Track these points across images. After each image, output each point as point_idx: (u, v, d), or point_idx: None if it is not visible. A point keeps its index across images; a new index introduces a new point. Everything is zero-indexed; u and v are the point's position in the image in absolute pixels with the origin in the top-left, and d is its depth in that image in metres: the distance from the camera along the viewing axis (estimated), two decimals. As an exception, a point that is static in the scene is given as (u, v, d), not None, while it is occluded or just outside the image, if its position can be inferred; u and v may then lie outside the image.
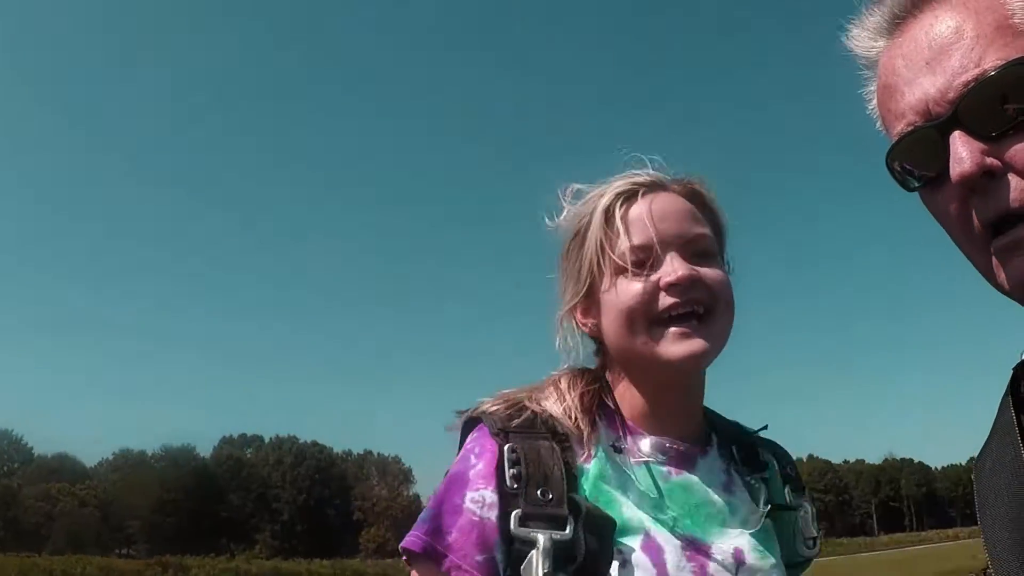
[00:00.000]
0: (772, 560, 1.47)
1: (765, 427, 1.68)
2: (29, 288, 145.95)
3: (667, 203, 1.51)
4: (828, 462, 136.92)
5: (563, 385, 1.54)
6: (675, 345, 1.44)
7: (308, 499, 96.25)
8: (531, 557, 1.31)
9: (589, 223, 1.52)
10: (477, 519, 1.38)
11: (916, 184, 1.07)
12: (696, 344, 1.44)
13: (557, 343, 1.59)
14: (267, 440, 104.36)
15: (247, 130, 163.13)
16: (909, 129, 1.04)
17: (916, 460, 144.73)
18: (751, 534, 1.47)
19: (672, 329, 1.44)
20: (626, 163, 1.58)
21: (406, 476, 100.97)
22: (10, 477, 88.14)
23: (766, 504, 1.52)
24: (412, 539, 1.41)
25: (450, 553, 1.38)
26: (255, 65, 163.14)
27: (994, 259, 1.00)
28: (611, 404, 1.54)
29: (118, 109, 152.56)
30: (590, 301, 1.53)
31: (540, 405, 1.50)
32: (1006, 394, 1.05)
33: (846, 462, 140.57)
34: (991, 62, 0.96)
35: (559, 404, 1.50)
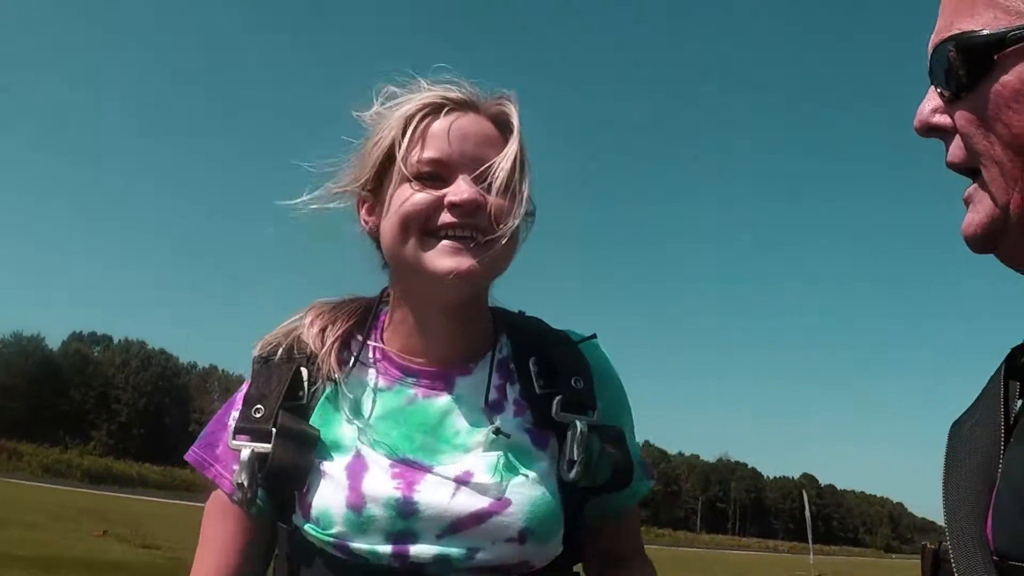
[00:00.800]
0: (513, 480, 1.44)
1: (592, 336, 1.64)
2: None
3: (471, 124, 1.50)
4: (664, 451, 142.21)
5: (308, 318, 1.60)
6: (442, 258, 1.43)
7: (148, 404, 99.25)
8: (239, 467, 1.44)
9: (387, 125, 1.51)
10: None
11: None
12: (463, 262, 1.42)
13: (301, 202, 1.58)
14: (116, 341, 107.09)
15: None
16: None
17: (750, 465, 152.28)
18: (500, 454, 1.45)
19: (444, 242, 1.44)
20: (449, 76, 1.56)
21: None
22: None
23: (538, 423, 1.51)
24: (190, 453, 1.58)
25: (215, 463, 1.53)
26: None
27: None
28: (371, 328, 1.60)
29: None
30: (376, 201, 1.54)
31: (299, 335, 1.57)
32: (1000, 367, 1.05)
33: (681, 454, 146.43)
34: (955, 29, 0.99)
35: (310, 332, 1.57)
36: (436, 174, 1.47)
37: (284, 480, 1.46)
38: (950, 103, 1.02)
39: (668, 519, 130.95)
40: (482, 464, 1.45)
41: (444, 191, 1.45)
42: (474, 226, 1.45)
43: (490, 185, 1.46)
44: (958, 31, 0.99)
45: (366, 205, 1.57)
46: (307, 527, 1.44)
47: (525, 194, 1.52)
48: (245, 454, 1.45)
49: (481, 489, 1.43)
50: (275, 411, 1.47)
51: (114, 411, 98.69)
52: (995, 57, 0.96)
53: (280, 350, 1.57)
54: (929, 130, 1.06)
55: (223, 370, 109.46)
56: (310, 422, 1.50)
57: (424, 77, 1.57)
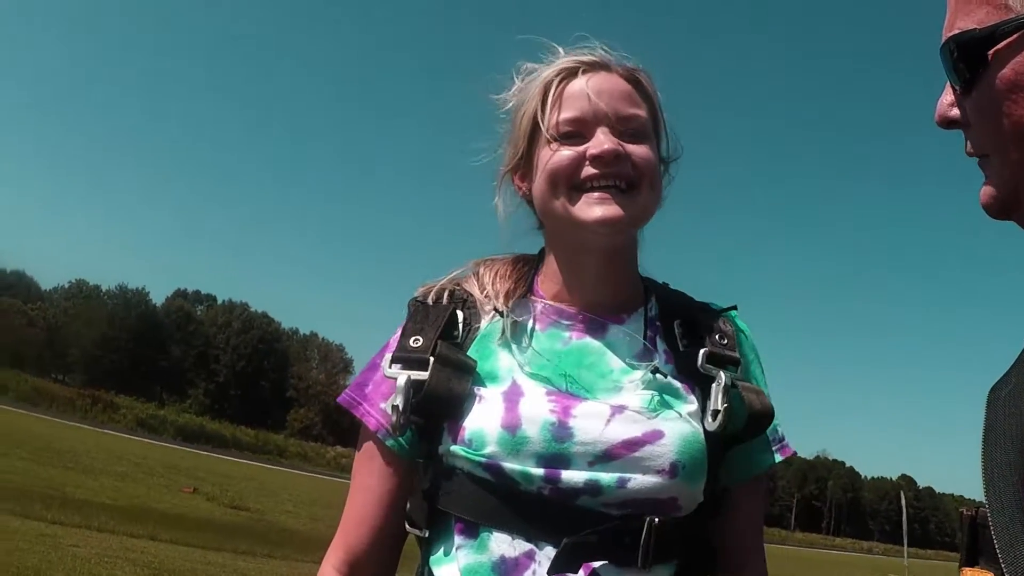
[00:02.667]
0: (666, 414, 1.50)
1: (733, 307, 1.73)
2: (27, 115, 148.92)
3: (605, 82, 1.61)
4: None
5: (482, 271, 1.72)
6: (590, 208, 1.53)
7: (247, 367, 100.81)
8: (395, 392, 1.53)
9: (530, 95, 1.63)
10: (384, 374, 1.58)
11: None
12: (611, 209, 1.52)
13: (495, 204, 1.74)
14: (219, 302, 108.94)
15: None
16: None
17: (847, 464, 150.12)
18: (654, 392, 1.52)
19: (590, 194, 1.54)
20: (577, 43, 1.68)
21: (346, 366, 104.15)
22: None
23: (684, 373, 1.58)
24: (342, 395, 1.69)
25: (364, 402, 1.63)
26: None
27: None
28: (531, 279, 1.71)
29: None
30: (527, 168, 1.66)
31: (458, 283, 1.70)
32: None
33: None
34: (956, 28, 1.04)
35: (475, 281, 1.70)
36: (576, 132, 1.58)
37: (439, 405, 1.52)
38: (961, 97, 1.08)
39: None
40: (636, 399, 1.51)
41: (585, 146, 1.56)
42: (616, 175, 1.55)
43: (629, 135, 1.58)
44: (957, 30, 1.04)
45: (519, 173, 1.70)
46: (457, 449, 1.49)
47: (662, 142, 1.68)
48: (401, 380, 1.52)
49: (635, 419, 1.48)
50: (433, 342, 1.56)
51: (213, 371, 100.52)
52: (989, 53, 1.01)
53: (438, 294, 1.67)
54: (948, 123, 1.12)
55: (323, 338, 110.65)
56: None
57: (561, 46, 1.69)
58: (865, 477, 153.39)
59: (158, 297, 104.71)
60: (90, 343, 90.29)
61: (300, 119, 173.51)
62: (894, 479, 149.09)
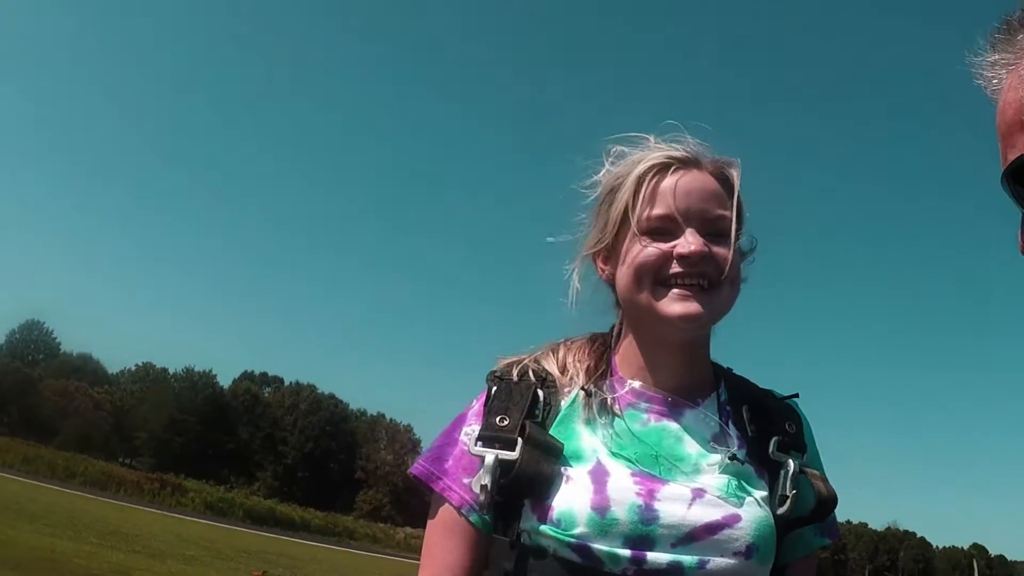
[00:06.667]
0: (744, 500, 1.59)
1: (795, 395, 1.84)
2: (95, 199, 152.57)
3: (695, 181, 1.70)
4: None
5: (560, 350, 1.82)
6: (673, 304, 1.63)
7: (315, 448, 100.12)
8: (480, 471, 1.60)
9: (621, 185, 1.72)
10: (466, 449, 1.65)
11: None
12: (692, 307, 1.62)
13: (571, 281, 1.83)
14: (287, 383, 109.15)
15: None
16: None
17: (919, 534, 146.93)
18: (731, 477, 1.61)
19: (675, 291, 1.64)
20: (664, 129, 1.80)
21: (414, 446, 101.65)
22: (33, 367, 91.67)
23: (752, 456, 1.66)
24: (417, 466, 1.73)
25: (444, 477, 1.68)
26: None
27: None
28: (608, 357, 1.81)
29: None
30: (611, 252, 1.76)
31: (537, 362, 1.78)
32: None
33: (849, 522, 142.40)
34: (1008, 159, 1.09)
35: (553, 360, 1.79)
36: (665, 228, 1.68)
37: (528, 485, 1.58)
38: None
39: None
40: (714, 483, 1.60)
41: (673, 244, 1.66)
42: (701, 274, 1.65)
43: (714, 235, 1.68)
44: (1008, 161, 1.10)
45: (601, 256, 1.80)
46: (546, 528, 1.55)
47: (740, 242, 1.74)
48: (489, 459, 1.60)
49: (715, 503, 1.57)
50: (520, 422, 1.63)
51: (281, 453, 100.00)
52: None
53: (518, 372, 1.75)
54: None
55: (391, 419, 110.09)
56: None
57: (651, 134, 1.80)
58: (936, 547, 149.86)
59: (225, 380, 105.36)
60: (158, 426, 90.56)
61: (368, 199, 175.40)
62: (966, 548, 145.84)
